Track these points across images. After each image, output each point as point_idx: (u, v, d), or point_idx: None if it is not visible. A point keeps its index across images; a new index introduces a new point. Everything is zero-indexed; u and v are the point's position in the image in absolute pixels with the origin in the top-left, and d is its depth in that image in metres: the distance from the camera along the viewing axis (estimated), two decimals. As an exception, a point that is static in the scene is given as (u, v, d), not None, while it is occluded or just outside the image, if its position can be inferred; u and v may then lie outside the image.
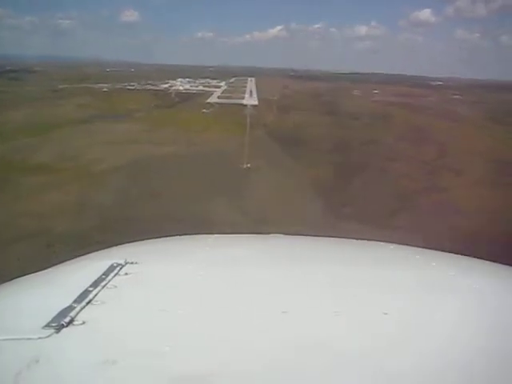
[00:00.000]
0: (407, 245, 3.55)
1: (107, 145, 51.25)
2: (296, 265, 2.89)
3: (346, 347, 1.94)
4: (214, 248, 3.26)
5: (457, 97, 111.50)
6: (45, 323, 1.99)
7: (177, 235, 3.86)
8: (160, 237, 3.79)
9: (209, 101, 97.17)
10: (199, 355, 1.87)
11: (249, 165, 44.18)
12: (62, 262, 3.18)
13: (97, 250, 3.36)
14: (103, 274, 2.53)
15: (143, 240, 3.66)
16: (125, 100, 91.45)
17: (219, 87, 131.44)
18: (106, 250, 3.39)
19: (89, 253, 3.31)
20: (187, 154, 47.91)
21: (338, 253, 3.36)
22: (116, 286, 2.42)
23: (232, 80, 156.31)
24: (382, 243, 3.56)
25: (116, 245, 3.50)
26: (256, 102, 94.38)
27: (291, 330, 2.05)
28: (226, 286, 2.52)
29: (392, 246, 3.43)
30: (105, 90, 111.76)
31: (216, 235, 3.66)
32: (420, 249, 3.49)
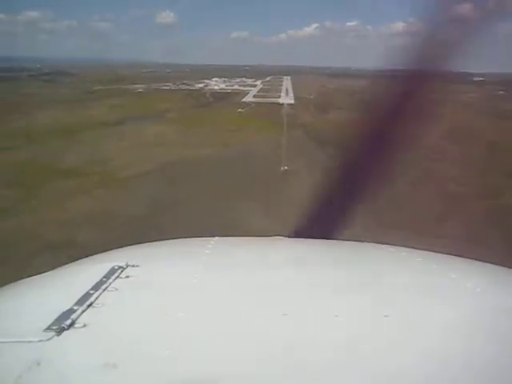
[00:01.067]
0: (407, 247, 3.40)
1: (137, 148, 49.67)
2: (296, 267, 2.86)
3: (346, 349, 1.96)
4: (214, 251, 3.18)
5: (501, 92, 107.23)
6: (46, 326, 1.99)
7: (177, 238, 3.82)
8: (161, 239, 3.75)
9: (244, 100, 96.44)
10: (199, 359, 1.88)
11: (286, 167, 41.57)
12: (64, 264, 3.16)
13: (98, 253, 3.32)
14: (104, 277, 2.53)
15: (144, 243, 3.63)
16: (159, 100, 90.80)
17: (255, 86, 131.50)
18: (107, 252, 3.31)
19: (90, 255, 3.29)
20: (220, 156, 45.56)
21: (339, 255, 3.35)
22: (117, 289, 2.41)
23: (268, 79, 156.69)
24: (382, 246, 3.53)
25: (117, 247, 3.42)
26: (292, 101, 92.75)
27: (291, 333, 2.06)
28: (227, 289, 2.51)
29: (392, 249, 3.39)
30: (139, 90, 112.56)
31: (217, 238, 3.50)
32: (420, 251, 3.36)
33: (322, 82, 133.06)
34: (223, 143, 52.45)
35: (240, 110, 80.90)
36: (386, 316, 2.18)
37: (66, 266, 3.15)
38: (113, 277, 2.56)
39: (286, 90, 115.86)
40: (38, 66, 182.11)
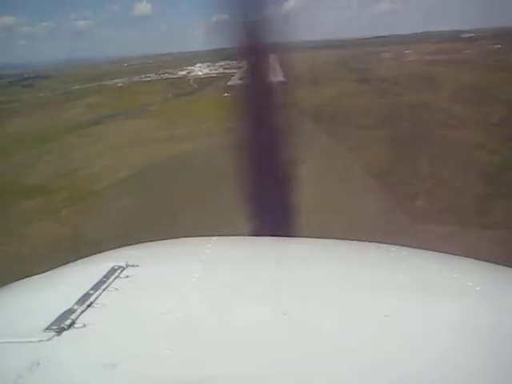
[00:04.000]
0: (408, 246, 3.36)
1: (114, 150, 43.84)
2: (296, 267, 2.90)
3: (346, 348, 1.98)
4: (214, 250, 3.19)
5: (497, 46, 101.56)
6: (46, 326, 2.03)
7: (177, 237, 3.75)
8: (160, 239, 3.69)
9: (230, 83, 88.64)
10: (199, 358, 1.91)
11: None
12: (63, 264, 3.12)
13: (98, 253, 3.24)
14: (104, 277, 2.57)
15: (144, 242, 3.60)
16: (139, 93, 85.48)
17: (241, 68, 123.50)
18: (106, 252, 3.34)
19: (90, 255, 3.25)
20: (209, 150, 39.52)
21: (339, 255, 3.36)
22: (117, 289, 2.45)
23: None
24: (383, 245, 3.52)
25: (117, 247, 3.38)
26: (283, 78, 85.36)
27: (291, 332, 2.08)
28: (226, 289, 2.54)
29: (393, 248, 3.38)
30: (119, 85, 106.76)
31: (216, 237, 3.48)
32: (421, 250, 3.39)
33: (306, 56, 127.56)
34: (210, 134, 45.73)
35: (226, 94, 73.32)
36: (386, 315, 2.19)
37: (66, 265, 3.14)
38: (112, 277, 2.58)
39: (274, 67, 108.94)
40: (19, 71, 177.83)
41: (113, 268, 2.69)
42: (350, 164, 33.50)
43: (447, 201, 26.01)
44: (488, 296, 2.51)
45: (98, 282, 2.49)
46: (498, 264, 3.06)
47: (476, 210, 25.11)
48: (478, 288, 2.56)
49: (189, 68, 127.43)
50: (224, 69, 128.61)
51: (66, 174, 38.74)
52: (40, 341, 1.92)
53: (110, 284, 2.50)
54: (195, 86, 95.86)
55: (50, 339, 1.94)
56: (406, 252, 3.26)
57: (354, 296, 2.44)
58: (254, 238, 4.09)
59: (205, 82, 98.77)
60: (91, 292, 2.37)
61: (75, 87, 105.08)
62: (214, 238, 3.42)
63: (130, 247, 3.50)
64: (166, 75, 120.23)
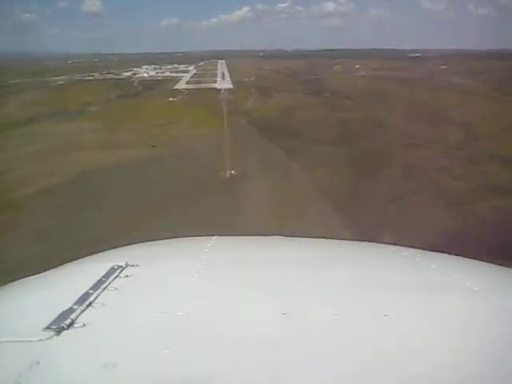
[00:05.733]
0: (407, 246, 3.36)
1: (44, 154, 40.33)
2: (296, 267, 2.88)
3: (346, 348, 1.98)
4: (213, 250, 3.19)
5: (443, 67, 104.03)
6: (45, 325, 2.02)
7: (177, 237, 3.80)
8: (160, 239, 3.69)
9: (177, 87, 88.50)
10: (199, 358, 1.90)
11: (233, 171, 32.62)
12: (63, 263, 3.13)
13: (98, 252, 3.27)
14: (104, 276, 2.57)
15: (144, 242, 3.62)
16: (80, 92, 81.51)
17: (188, 72, 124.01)
18: (106, 251, 3.34)
19: (90, 255, 3.26)
20: (146, 160, 36.42)
21: (338, 255, 3.36)
22: (117, 289, 2.44)
23: (201, 64, 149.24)
24: (382, 245, 3.63)
25: (117, 247, 3.42)
26: (231, 85, 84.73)
27: (291, 332, 2.07)
28: (226, 289, 2.54)
29: (392, 248, 3.45)
30: (60, 82, 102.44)
31: (215, 237, 3.48)
32: (420, 250, 3.36)
33: (258, 65, 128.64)
34: (149, 141, 43.06)
35: (171, 98, 72.69)
36: (385, 315, 2.18)
37: (66, 265, 3.11)
38: (112, 276, 2.58)
39: (222, 73, 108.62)
40: None
41: (112, 267, 2.67)
42: (301, 186, 30.61)
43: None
44: (487, 296, 2.51)
45: (97, 282, 2.47)
46: (497, 264, 3.07)
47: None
48: (476, 288, 2.57)
49: (134, 69, 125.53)
50: (171, 72, 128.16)
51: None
52: (40, 340, 1.91)
53: (109, 283, 2.47)
54: (140, 88, 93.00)
55: (49, 339, 1.92)
56: (405, 252, 3.26)
57: (353, 296, 2.44)
58: (254, 237, 3.99)
59: (150, 84, 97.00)
60: (91, 291, 2.35)
61: (14, 81, 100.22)
62: (213, 238, 3.41)
63: (129, 247, 3.48)
64: (111, 75, 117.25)
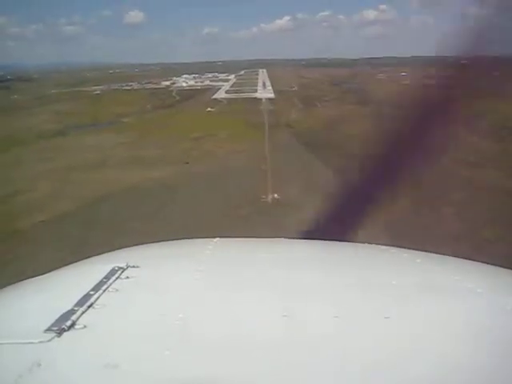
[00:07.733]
0: (408, 248, 3.34)
1: (59, 173, 36.62)
2: (297, 268, 2.90)
3: (346, 350, 1.99)
4: (214, 252, 3.19)
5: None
6: (46, 327, 2.03)
7: (178, 239, 3.73)
8: (161, 241, 3.63)
9: (215, 97, 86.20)
10: (199, 359, 1.91)
11: (276, 195, 28.14)
12: (64, 265, 3.07)
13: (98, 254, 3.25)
14: (105, 278, 2.57)
15: (145, 244, 3.56)
16: (115, 102, 79.65)
17: (228, 81, 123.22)
18: (107, 253, 3.29)
19: (90, 256, 3.21)
20: (175, 181, 32.00)
21: (339, 257, 3.38)
22: (117, 290, 2.45)
23: (242, 72, 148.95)
24: (383, 247, 3.54)
25: (117, 248, 3.33)
26: (272, 95, 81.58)
27: (292, 334, 2.09)
28: (227, 290, 2.55)
29: (393, 250, 3.41)
30: (96, 92, 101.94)
31: (217, 239, 3.43)
32: (420, 252, 3.32)
33: (299, 73, 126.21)
34: (182, 159, 39.01)
35: (210, 108, 69.99)
36: (386, 317, 2.20)
37: (67, 267, 3.09)
38: (113, 278, 2.58)
39: (263, 83, 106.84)
40: (2, 73, 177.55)
41: (113, 269, 2.67)
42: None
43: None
44: (487, 298, 2.52)
45: (98, 283, 2.47)
46: (498, 266, 3.06)
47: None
48: (478, 290, 2.59)
49: (174, 79, 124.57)
50: (211, 81, 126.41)
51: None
52: (41, 342, 1.91)
53: (110, 285, 2.46)
54: (177, 97, 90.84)
55: (50, 340, 1.92)
56: (406, 254, 3.29)
57: (354, 298, 2.45)
58: (255, 239, 3.89)
59: (188, 93, 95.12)
60: (92, 293, 2.35)
61: (51, 92, 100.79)
62: (214, 240, 3.40)
63: (130, 248, 3.45)
64: (149, 85, 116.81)
